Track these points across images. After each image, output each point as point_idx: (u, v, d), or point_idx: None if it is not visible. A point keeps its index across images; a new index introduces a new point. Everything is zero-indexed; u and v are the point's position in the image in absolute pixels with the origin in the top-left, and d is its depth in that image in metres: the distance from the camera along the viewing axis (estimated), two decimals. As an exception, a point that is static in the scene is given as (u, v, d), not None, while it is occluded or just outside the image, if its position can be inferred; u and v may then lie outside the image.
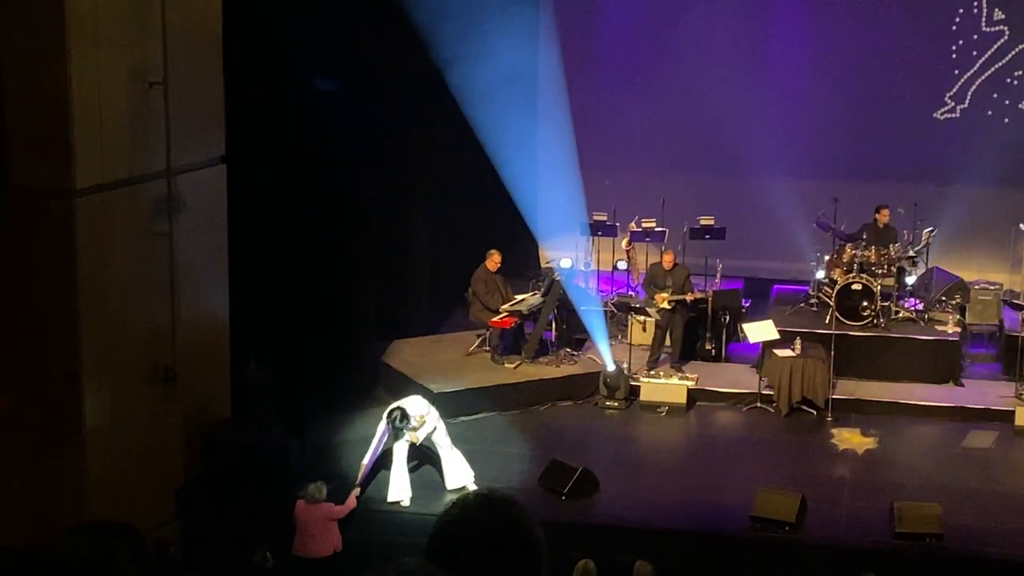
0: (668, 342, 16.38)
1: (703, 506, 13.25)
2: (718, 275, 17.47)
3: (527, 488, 13.29)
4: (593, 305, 16.84)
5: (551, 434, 15.04)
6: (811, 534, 12.68)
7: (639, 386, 15.81)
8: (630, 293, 17.51)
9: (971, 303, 16.78)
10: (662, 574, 10.85)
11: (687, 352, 16.53)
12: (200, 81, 13.06)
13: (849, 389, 15.78)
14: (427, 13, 15.54)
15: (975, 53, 18.34)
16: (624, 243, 17.73)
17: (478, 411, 15.32)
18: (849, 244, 16.74)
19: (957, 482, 13.77)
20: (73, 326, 11.87)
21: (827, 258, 17.09)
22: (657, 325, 16.24)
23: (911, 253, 16.97)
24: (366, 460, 13.26)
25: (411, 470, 13.29)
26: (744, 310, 17.14)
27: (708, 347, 16.73)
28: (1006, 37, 18.25)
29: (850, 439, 14.89)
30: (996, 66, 18.32)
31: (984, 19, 18.26)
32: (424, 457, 13.61)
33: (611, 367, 15.80)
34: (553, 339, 16.55)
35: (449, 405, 14.50)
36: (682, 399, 15.67)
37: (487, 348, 16.42)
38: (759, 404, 15.61)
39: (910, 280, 17.14)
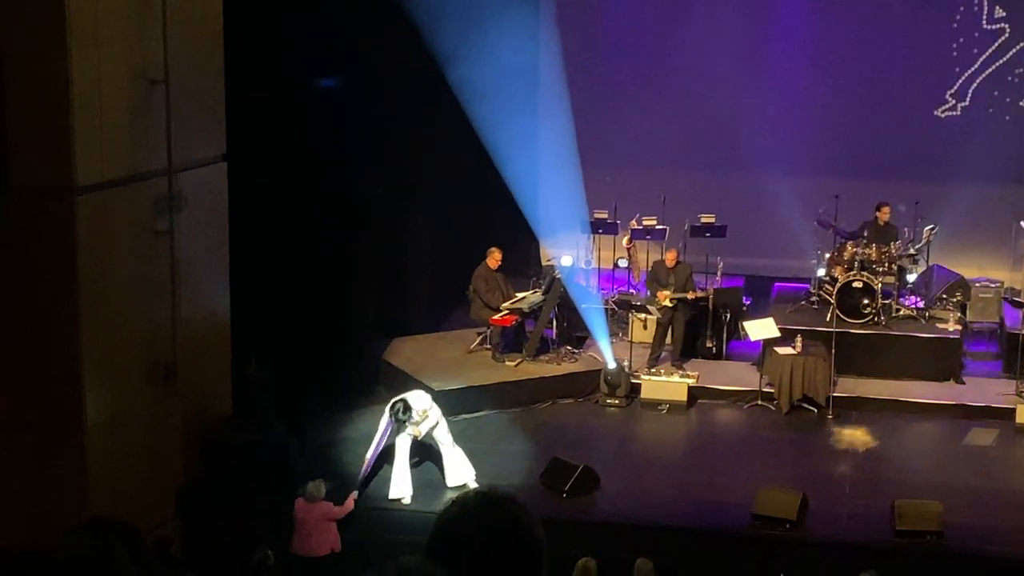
0: (669, 340, 16.38)
1: (704, 504, 13.25)
2: (719, 273, 17.47)
3: (528, 486, 13.29)
4: (594, 303, 16.84)
5: (552, 432, 15.04)
6: (812, 532, 12.68)
7: (640, 384, 15.81)
8: (631, 291, 17.51)
9: (972, 301, 16.78)
10: (663, 572, 10.85)
11: (688, 350, 16.54)
12: (201, 80, 13.07)
13: (850, 387, 15.78)
14: (428, 12, 15.53)
15: (976, 51, 18.34)
16: (625, 241, 17.73)
17: (479, 409, 15.33)
18: (850, 242, 16.74)
19: (958, 480, 13.77)
20: (73, 325, 11.87)
21: (828, 256, 17.09)
22: (659, 323, 16.24)
23: (912, 251, 16.97)
24: (369, 454, 13.27)
25: (413, 466, 13.29)
26: (745, 308, 17.13)
27: (709, 345, 16.73)
28: (1007, 35, 18.25)
29: (851, 437, 14.89)
30: (997, 64, 18.33)
31: (985, 17, 18.27)
32: (426, 453, 13.61)
33: (612, 365, 15.80)
34: (554, 337, 16.55)
35: (450, 403, 14.50)
36: (683, 397, 15.67)
37: (488, 346, 16.43)
38: (760, 402, 15.61)
39: (911, 278, 17.13)
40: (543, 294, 16.46)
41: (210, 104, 13.25)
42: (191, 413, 13.29)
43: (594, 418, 15.51)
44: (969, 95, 18.46)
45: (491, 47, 16.13)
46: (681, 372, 16.04)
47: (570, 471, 13.40)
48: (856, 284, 16.21)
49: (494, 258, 16.36)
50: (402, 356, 16.37)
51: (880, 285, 16.29)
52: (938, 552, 12.33)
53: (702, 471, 14.18)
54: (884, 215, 17.00)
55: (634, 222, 17.60)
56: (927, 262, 17.36)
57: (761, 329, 15.68)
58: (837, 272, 16.57)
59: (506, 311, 16.14)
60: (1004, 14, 18.20)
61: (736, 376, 16.17)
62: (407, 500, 13.09)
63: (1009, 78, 18.30)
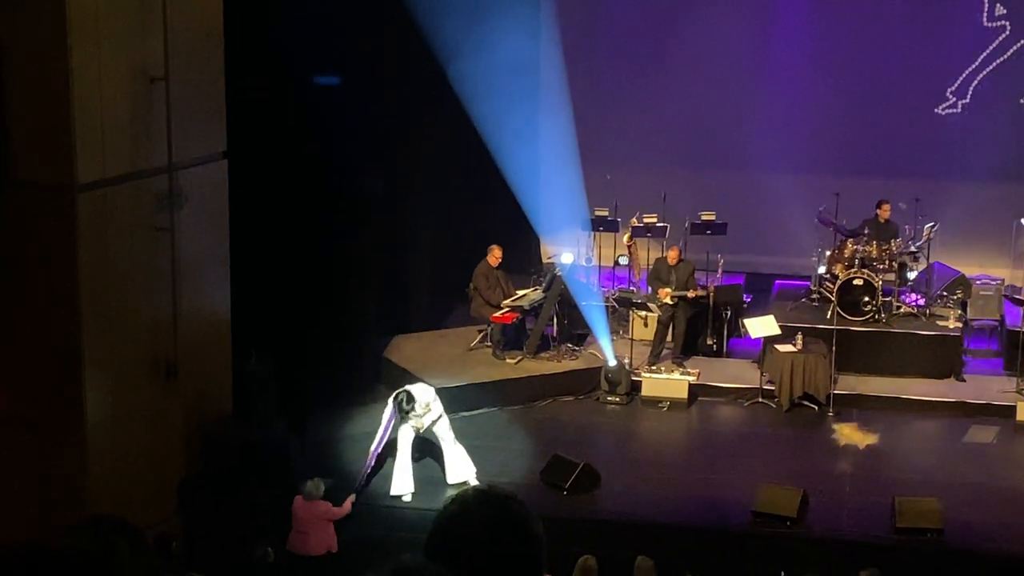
0: (670, 338, 16.38)
1: (704, 501, 13.26)
2: (719, 270, 17.47)
3: (528, 483, 13.30)
4: (595, 300, 16.84)
5: (552, 429, 15.05)
6: (812, 529, 12.69)
7: (640, 381, 15.81)
8: (632, 289, 17.51)
9: (972, 298, 16.77)
10: (663, 569, 10.86)
11: (688, 347, 16.54)
12: (201, 77, 13.06)
13: (850, 384, 15.79)
14: (429, 10, 15.53)
15: (977, 48, 18.33)
16: (626, 238, 17.73)
17: (479, 406, 15.33)
18: (850, 239, 16.74)
19: (958, 477, 13.77)
20: (74, 322, 11.86)
21: (828, 253, 17.09)
22: (660, 321, 16.25)
23: (912, 248, 16.97)
24: (373, 446, 13.25)
25: (413, 460, 13.28)
26: (745, 305, 17.14)
27: (709, 342, 16.74)
28: (1007, 32, 18.23)
29: (851, 434, 14.90)
30: (998, 61, 18.31)
31: (985, 14, 18.25)
32: (427, 450, 13.61)
33: (612, 362, 15.81)
34: (554, 334, 16.55)
35: (450, 400, 14.49)
36: (683, 394, 15.67)
37: (488, 343, 16.43)
38: (760, 399, 15.62)
39: (911, 275, 17.14)
40: (544, 292, 16.46)
41: (211, 101, 13.24)
42: (191, 410, 13.29)
43: (594, 416, 15.52)
44: (970, 92, 18.45)
45: (492, 44, 16.12)
46: (682, 369, 16.05)
47: (570, 468, 13.40)
48: (857, 281, 16.21)
49: (495, 255, 16.37)
50: (403, 353, 16.37)
51: (881, 282, 16.29)
52: (938, 549, 12.35)
53: (702, 469, 14.19)
54: (885, 212, 17.00)
55: (635, 219, 17.60)
56: (927, 259, 17.36)
57: (762, 326, 15.68)
58: (838, 269, 16.57)
59: (507, 308, 16.15)
60: (1005, 11, 18.19)
61: (737, 374, 16.18)
62: (407, 497, 13.10)
63: (1010, 76, 18.29)
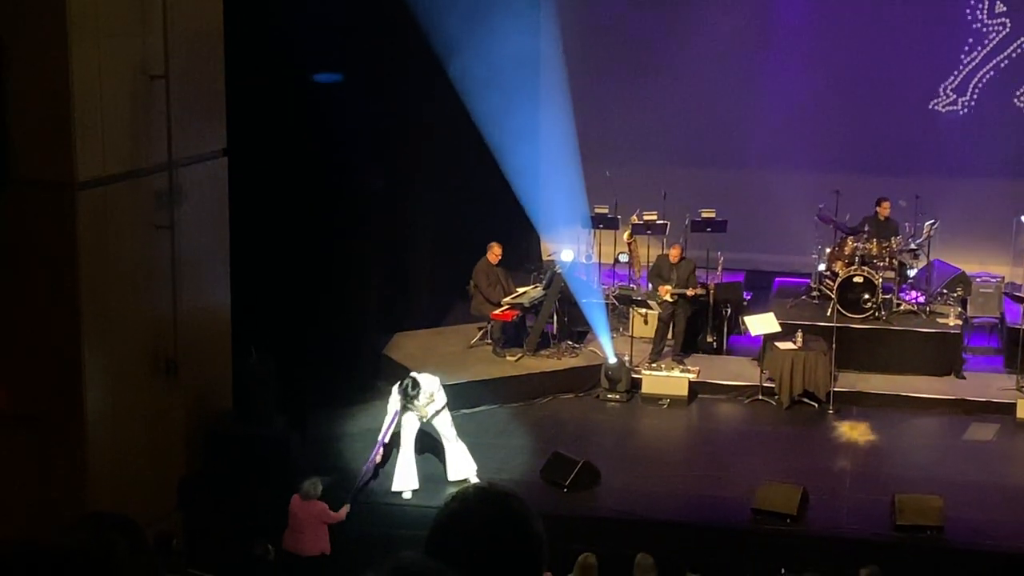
0: (670, 335, 16.38)
1: (704, 499, 13.26)
2: (719, 268, 17.47)
3: (528, 481, 13.30)
4: (594, 298, 16.84)
5: (552, 427, 15.05)
6: (812, 526, 12.69)
7: (640, 379, 15.81)
8: (632, 286, 17.51)
9: (972, 296, 16.77)
10: (663, 567, 10.85)
11: (688, 345, 16.54)
12: (201, 74, 13.06)
13: (850, 382, 15.79)
14: (429, 6, 15.52)
15: (977, 45, 18.32)
16: (626, 236, 17.72)
17: (480, 404, 15.32)
18: (850, 237, 16.73)
19: (958, 475, 13.77)
20: (74, 319, 11.87)
21: (828, 251, 17.09)
22: (660, 318, 16.25)
23: (912, 246, 16.98)
24: (380, 435, 13.16)
25: (415, 456, 13.25)
26: (745, 303, 17.14)
27: (710, 340, 16.74)
28: (1008, 29, 18.23)
29: (851, 432, 14.90)
30: (998, 58, 18.31)
31: (986, 12, 18.25)
32: (428, 446, 13.60)
33: (612, 360, 15.81)
34: (554, 332, 16.55)
35: (451, 398, 14.44)
36: (683, 392, 15.67)
37: (489, 341, 16.43)
38: (760, 397, 15.62)
39: (911, 273, 17.14)
40: (544, 289, 16.47)
41: (211, 99, 13.25)
42: (192, 407, 13.30)
43: (595, 413, 15.52)
44: (970, 90, 18.45)
45: (492, 41, 16.11)
46: (682, 367, 16.05)
47: (571, 466, 13.40)
48: (857, 279, 16.21)
49: (494, 253, 16.37)
50: (403, 351, 16.37)
51: (881, 280, 16.29)
52: (938, 547, 12.35)
53: (703, 466, 14.19)
54: (884, 210, 17.00)
55: (635, 217, 17.60)
56: (928, 257, 17.35)
57: (762, 324, 15.68)
58: (838, 267, 16.57)
59: (507, 306, 16.15)
60: (1005, 9, 18.18)
61: (737, 371, 16.18)
62: (408, 495, 13.08)
63: (1010, 73, 18.28)
